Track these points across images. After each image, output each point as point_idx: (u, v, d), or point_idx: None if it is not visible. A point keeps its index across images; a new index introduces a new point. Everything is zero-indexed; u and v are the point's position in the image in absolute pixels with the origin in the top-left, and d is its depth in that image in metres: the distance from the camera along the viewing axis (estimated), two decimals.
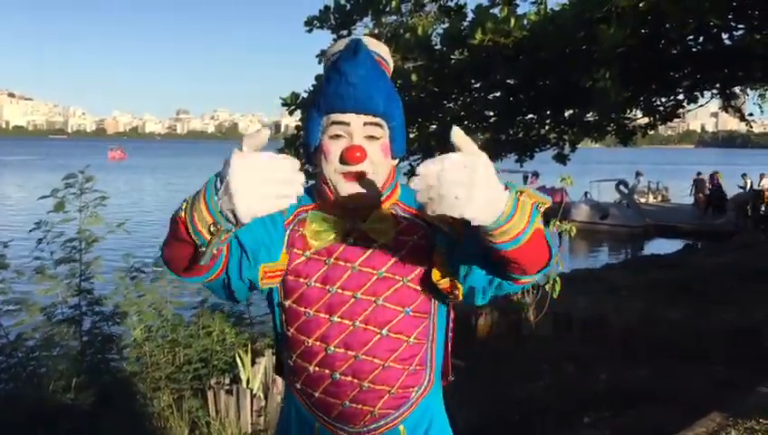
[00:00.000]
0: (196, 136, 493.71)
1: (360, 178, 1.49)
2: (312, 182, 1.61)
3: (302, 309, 1.54)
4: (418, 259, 1.52)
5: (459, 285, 1.46)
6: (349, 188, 1.49)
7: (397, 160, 1.59)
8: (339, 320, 1.52)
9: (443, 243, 1.48)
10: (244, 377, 4.87)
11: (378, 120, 1.50)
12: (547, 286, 6.25)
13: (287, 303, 1.57)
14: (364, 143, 1.49)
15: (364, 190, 1.50)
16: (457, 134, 1.17)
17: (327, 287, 1.53)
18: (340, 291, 1.53)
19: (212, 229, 1.24)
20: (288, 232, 1.56)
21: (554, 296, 6.20)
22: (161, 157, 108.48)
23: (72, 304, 5.35)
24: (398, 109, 1.56)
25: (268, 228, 1.51)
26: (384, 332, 1.52)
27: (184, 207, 1.28)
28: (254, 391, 4.72)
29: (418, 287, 1.54)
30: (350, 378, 1.52)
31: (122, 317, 5.41)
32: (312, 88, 7.01)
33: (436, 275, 1.49)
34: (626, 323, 6.94)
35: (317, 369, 1.54)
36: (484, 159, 1.16)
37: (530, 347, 6.26)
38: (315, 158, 1.56)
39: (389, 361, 1.52)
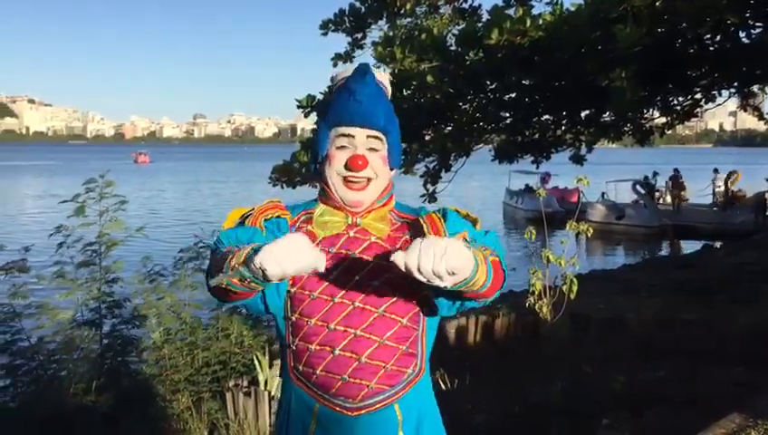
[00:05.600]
0: (213, 140, 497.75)
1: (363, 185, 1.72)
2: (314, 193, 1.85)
3: (306, 292, 1.69)
4: None
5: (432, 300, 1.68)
6: (351, 192, 1.72)
7: (394, 171, 1.80)
8: (340, 300, 1.68)
9: None
10: (262, 379, 4.90)
11: (379, 134, 1.73)
12: (564, 287, 6.24)
13: (293, 290, 1.71)
14: (366, 154, 1.71)
15: (365, 195, 1.72)
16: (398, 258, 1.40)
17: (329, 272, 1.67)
18: (341, 275, 1.68)
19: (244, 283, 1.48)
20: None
21: (571, 297, 6.19)
22: (182, 161, 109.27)
23: (92, 307, 5.41)
24: (396, 126, 1.79)
25: None
26: (380, 311, 1.68)
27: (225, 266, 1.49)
28: (273, 393, 4.74)
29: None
30: (348, 353, 1.66)
31: (142, 320, 5.46)
32: (327, 90, 7.02)
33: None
34: (644, 323, 6.89)
35: (318, 348, 1.68)
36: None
37: (547, 348, 6.23)
38: (321, 166, 1.76)
39: (385, 338, 1.68)
